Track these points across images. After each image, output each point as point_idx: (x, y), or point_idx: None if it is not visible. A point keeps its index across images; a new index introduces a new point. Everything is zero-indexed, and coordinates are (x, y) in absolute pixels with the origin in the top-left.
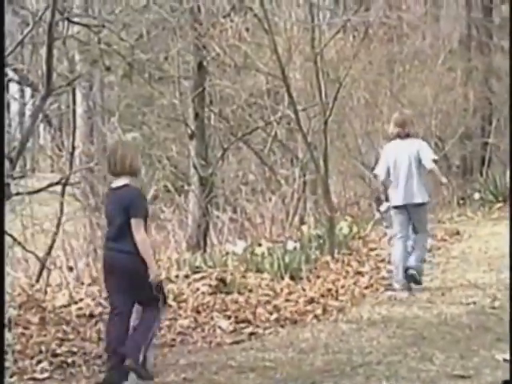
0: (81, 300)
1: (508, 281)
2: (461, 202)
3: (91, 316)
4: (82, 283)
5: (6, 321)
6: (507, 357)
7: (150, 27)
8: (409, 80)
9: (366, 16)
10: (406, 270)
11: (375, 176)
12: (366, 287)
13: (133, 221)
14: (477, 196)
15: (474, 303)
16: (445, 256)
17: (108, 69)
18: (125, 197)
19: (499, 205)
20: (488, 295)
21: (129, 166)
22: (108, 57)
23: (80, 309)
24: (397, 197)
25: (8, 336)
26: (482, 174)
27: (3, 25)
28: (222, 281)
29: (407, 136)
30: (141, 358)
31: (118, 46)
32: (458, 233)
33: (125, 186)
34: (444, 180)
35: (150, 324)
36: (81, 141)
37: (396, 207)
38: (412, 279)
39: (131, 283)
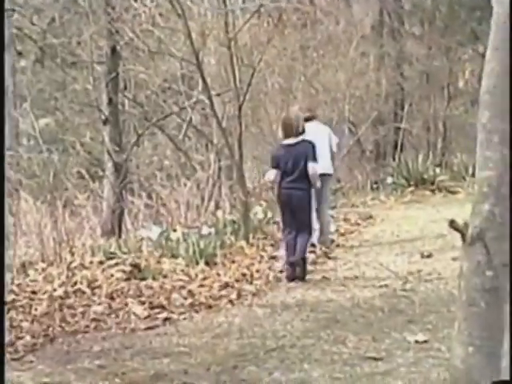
0: None
1: (419, 265)
2: (374, 186)
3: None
4: None
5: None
6: (418, 338)
7: (61, 11)
8: (322, 65)
9: (280, 1)
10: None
11: None
12: (281, 271)
13: (311, 163)
14: (389, 180)
15: (386, 286)
16: (358, 240)
17: (19, 54)
18: (306, 148)
19: (411, 189)
20: (400, 278)
21: (302, 128)
22: (19, 41)
23: None
24: None
25: None
26: (394, 159)
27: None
28: (137, 267)
29: (314, 119)
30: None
31: (30, 31)
32: (371, 217)
33: (303, 140)
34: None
35: (306, 242)
36: None
37: None
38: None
39: (300, 211)
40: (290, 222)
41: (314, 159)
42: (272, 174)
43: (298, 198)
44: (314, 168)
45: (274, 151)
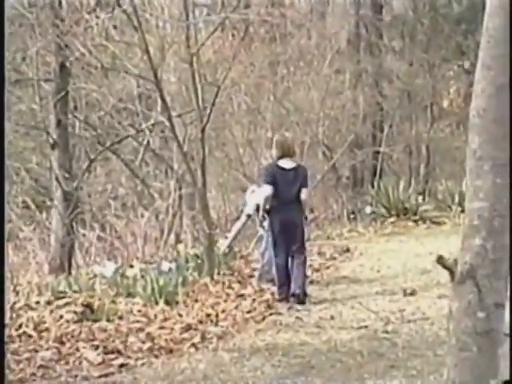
0: None
1: (402, 303)
2: (351, 216)
3: None
4: None
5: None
6: None
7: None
8: (293, 83)
9: (246, 13)
10: None
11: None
12: (249, 311)
13: (304, 189)
14: (368, 210)
15: (366, 327)
16: (334, 276)
17: None
18: (301, 173)
19: (392, 219)
20: (381, 318)
21: (294, 151)
22: None
23: None
24: None
25: None
26: (373, 186)
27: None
28: (89, 307)
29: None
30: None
31: None
32: (348, 250)
33: (299, 166)
34: None
35: (304, 265)
36: None
37: None
38: None
39: (296, 233)
40: (283, 245)
41: (307, 185)
42: (269, 190)
43: (294, 220)
44: (307, 193)
45: (270, 169)
